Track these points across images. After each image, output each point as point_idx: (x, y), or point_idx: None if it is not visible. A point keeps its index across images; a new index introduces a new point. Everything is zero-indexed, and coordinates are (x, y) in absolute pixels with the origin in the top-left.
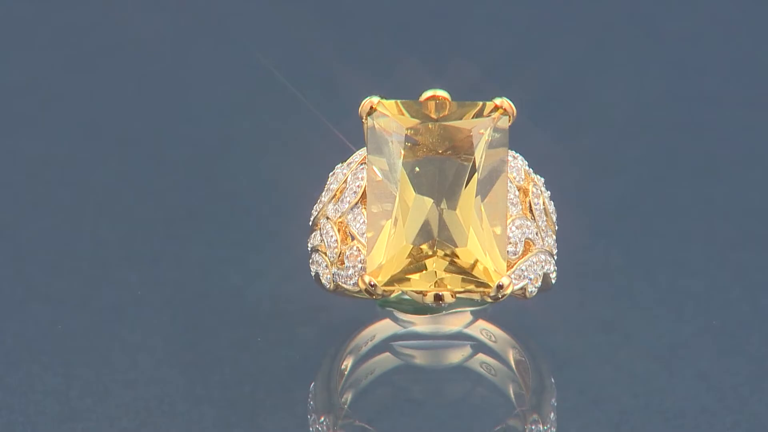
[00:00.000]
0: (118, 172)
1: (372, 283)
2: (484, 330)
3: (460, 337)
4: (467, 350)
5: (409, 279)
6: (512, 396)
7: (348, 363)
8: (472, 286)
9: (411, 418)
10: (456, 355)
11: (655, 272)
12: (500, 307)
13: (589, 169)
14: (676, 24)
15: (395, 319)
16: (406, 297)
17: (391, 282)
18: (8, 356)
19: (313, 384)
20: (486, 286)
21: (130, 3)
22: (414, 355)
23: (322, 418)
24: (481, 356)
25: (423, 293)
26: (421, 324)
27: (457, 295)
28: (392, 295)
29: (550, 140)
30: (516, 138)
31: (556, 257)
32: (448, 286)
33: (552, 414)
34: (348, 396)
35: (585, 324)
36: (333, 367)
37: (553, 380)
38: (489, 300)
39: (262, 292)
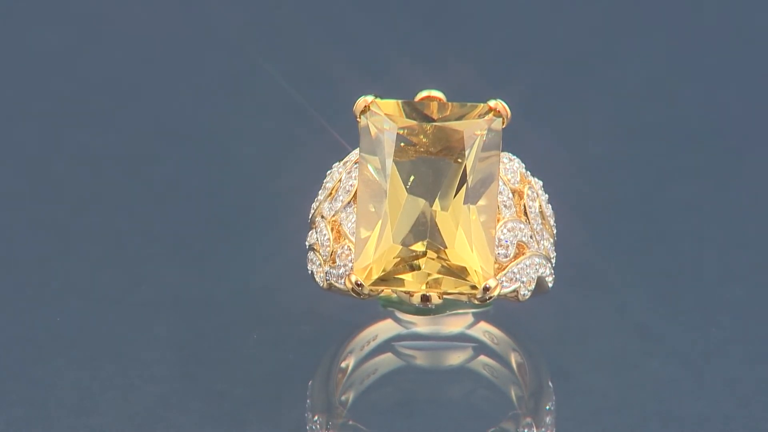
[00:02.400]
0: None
1: (358, 283)
2: (487, 332)
3: (461, 338)
4: (468, 352)
5: (397, 279)
6: (513, 398)
7: (348, 362)
8: (461, 288)
9: (410, 418)
10: (457, 357)
11: (664, 276)
12: (503, 310)
13: (598, 173)
14: (678, 20)
15: (396, 320)
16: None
17: (378, 282)
18: (37, 350)
19: (311, 382)
20: (474, 287)
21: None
22: (415, 356)
23: (316, 417)
24: (482, 358)
25: (410, 294)
26: (422, 325)
27: (445, 296)
28: (380, 295)
29: (555, 143)
30: (519, 140)
31: (554, 261)
32: (437, 287)
33: (548, 418)
34: (347, 395)
35: (588, 329)
36: (331, 366)
37: (551, 384)
38: (476, 302)
39: (271, 289)
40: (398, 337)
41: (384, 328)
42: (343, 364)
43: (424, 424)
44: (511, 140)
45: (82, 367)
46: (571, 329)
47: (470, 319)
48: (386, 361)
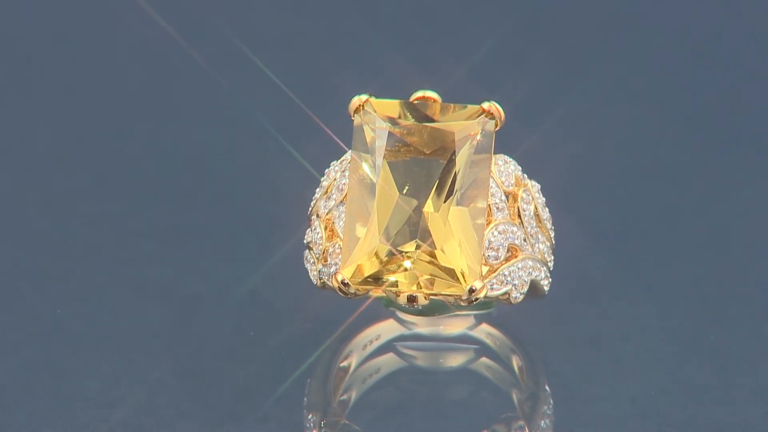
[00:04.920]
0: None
1: (344, 282)
2: (488, 334)
3: (463, 340)
4: (469, 353)
5: (385, 279)
6: (515, 401)
7: (350, 362)
8: (448, 289)
9: (409, 418)
10: (457, 358)
11: (702, 283)
12: (506, 313)
13: (611, 177)
14: (675, 18)
15: (398, 320)
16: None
17: (365, 281)
18: (72, 342)
19: (308, 380)
20: (461, 288)
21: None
22: (416, 357)
23: (310, 415)
24: (483, 360)
25: (397, 293)
26: (422, 326)
27: (432, 297)
28: (369, 294)
29: (568, 148)
30: (523, 142)
31: (551, 265)
32: (424, 288)
33: (543, 422)
34: (347, 395)
35: (616, 334)
36: (330, 365)
37: (547, 388)
38: (462, 303)
39: (274, 288)
40: (400, 338)
41: (387, 328)
42: (344, 364)
43: (422, 424)
44: (515, 142)
45: (112, 361)
46: (600, 334)
47: (472, 321)
48: (388, 361)
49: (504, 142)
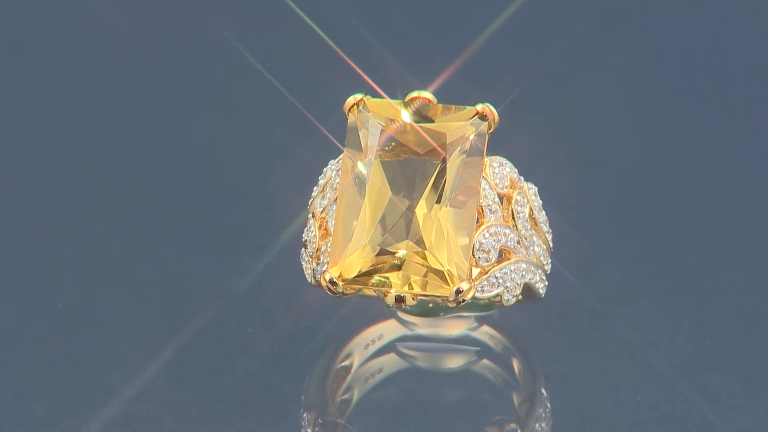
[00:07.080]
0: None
1: (332, 281)
2: (491, 336)
3: (464, 341)
4: (469, 355)
5: (373, 279)
6: (515, 403)
7: (350, 361)
8: (436, 290)
9: (407, 419)
10: (456, 360)
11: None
12: (508, 315)
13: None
14: (676, 18)
15: (400, 320)
16: None
17: (353, 281)
18: (101, 337)
19: (307, 379)
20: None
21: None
22: (417, 357)
23: (306, 414)
24: (484, 362)
25: (385, 293)
26: (422, 326)
27: (420, 298)
28: (359, 294)
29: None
30: (532, 148)
31: (548, 268)
32: (415, 288)
33: (538, 424)
34: (347, 395)
35: (643, 341)
36: (329, 364)
37: (544, 391)
38: (450, 304)
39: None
40: (403, 338)
41: (389, 328)
42: (345, 363)
43: (423, 425)
44: (526, 146)
45: (139, 355)
46: (627, 340)
47: (472, 322)
48: (390, 361)
49: (508, 143)
